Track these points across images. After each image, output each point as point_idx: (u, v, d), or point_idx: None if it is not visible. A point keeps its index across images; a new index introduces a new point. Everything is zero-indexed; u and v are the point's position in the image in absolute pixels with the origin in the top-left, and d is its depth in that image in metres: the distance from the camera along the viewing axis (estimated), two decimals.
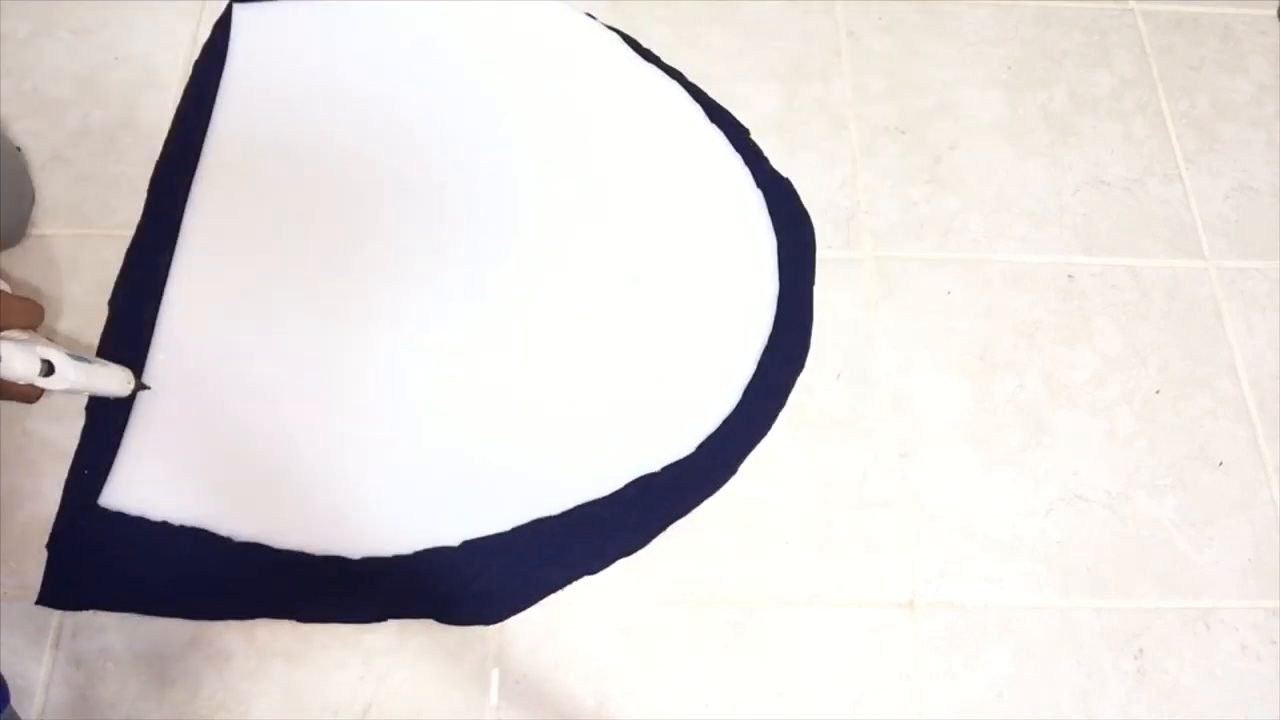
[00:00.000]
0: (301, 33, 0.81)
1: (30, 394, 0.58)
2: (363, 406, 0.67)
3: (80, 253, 0.70)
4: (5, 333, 0.58)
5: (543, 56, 0.82)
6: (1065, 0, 0.90)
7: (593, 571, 0.64)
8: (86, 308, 0.69)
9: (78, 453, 0.65)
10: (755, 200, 0.77)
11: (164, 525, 0.62)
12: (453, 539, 0.64)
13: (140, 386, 0.66)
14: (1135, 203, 0.81)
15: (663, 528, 0.66)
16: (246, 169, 0.75)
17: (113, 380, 0.63)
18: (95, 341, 0.68)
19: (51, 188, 0.73)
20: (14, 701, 0.56)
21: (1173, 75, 0.87)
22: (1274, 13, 0.91)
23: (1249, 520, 0.69)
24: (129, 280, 0.70)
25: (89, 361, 0.61)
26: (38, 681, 0.59)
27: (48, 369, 0.58)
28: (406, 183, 0.75)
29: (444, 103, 0.79)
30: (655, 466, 0.67)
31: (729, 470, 0.68)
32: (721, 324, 0.73)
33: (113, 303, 0.69)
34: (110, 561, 0.62)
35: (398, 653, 0.61)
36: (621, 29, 0.83)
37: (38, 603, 0.60)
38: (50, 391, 0.58)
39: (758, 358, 0.71)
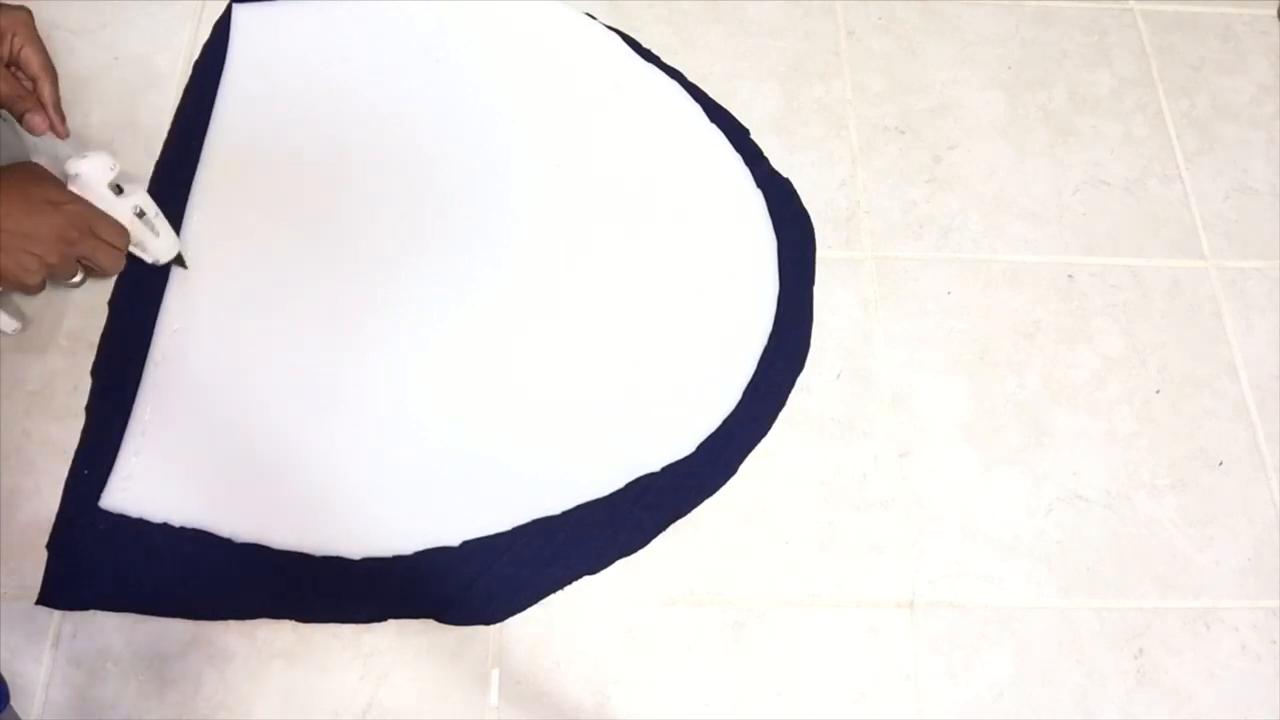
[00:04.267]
0: (301, 33, 0.81)
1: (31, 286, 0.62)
2: (363, 407, 0.67)
3: None
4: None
5: (543, 56, 0.82)
6: (1065, 0, 0.90)
7: (593, 571, 0.64)
8: (86, 308, 0.69)
9: (78, 453, 0.65)
10: (755, 200, 0.77)
11: (164, 526, 0.62)
12: (453, 539, 0.64)
13: (179, 261, 0.70)
14: (1135, 203, 0.81)
15: (663, 527, 0.66)
16: (246, 169, 0.75)
17: (165, 242, 0.68)
18: (95, 341, 0.68)
19: None
20: (14, 701, 0.56)
21: (1173, 75, 0.87)
22: (1274, 13, 0.91)
23: (1249, 520, 0.69)
24: (129, 280, 0.70)
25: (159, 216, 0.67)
26: (38, 681, 0.59)
27: (118, 190, 0.64)
28: (406, 183, 0.76)
29: (444, 103, 0.79)
30: (656, 466, 0.67)
31: (729, 470, 0.68)
32: (722, 324, 0.73)
33: (113, 303, 0.69)
34: (110, 562, 0.62)
35: (398, 653, 0.61)
36: (621, 29, 0.83)
37: (38, 603, 0.60)
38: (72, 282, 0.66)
39: (758, 358, 0.71)
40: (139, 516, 0.62)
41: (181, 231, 0.71)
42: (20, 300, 0.68)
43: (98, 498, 0.63)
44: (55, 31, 0.78)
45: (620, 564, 0.65)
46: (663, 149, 0.79)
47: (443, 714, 0.60)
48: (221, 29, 0.80)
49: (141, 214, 0.66)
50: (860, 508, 0.68)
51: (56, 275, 0.63)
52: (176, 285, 0.70)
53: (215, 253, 0.71)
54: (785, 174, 0.79)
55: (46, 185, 0.62)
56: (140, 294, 0.69)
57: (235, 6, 0.81)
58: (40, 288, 0.63)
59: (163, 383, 0.67)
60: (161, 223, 0.68)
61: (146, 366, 0.67)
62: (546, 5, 0.84)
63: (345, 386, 0.68)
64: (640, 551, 0.65)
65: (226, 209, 0.73)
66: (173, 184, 0.73)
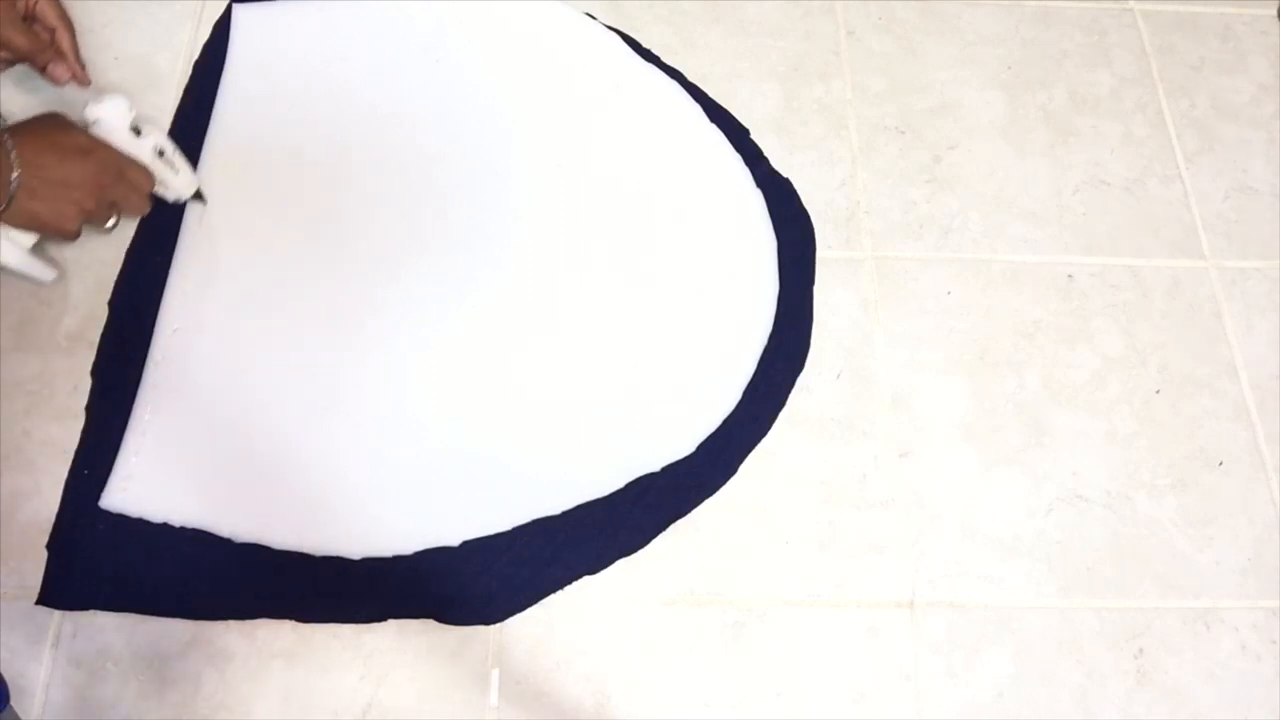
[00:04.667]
0: (301, 33, 0.81)
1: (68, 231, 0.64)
2: (363, 406, 0.67)
3: (80, 253, 0.70)
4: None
5: (543, 56, 0.82)
6: (1065, 0, 0.90)
7: (593, 571, 0.64)
8: (86, 308, 0.69)
9: (78, 453, 0.65)
10: (755, 200, 0.77)
11: (164, 526, 0.62)
12: (453, 539, 0.64)
13: (198, 197, 0.72)
14: (1135, 203, 0.81)
15: (663, 527, 0.66)
16: (246, 169, 0.75)
17: (185, 179, 0.70)
18: (95, 341, 0.68)
19: None
20: (14, 701, 0.56)
21: (1173, 75, 0.87)
22: (1274, 13, 0.91)
23: (1249, 520, 0.69)
24: (129, 280, 0.70)
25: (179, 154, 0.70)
26: (38, 681, 0.59)
27: (136, 132, 0.66)
28: (406, 183, 0.75)
29: (444, 103, 0.79)
30: (656, 466, 0.67)
31: (729, 470, 0.68)
32: (722, 324, 0.73)
33: (113, 303, 0.69)
34: (110, 562, 0.62)
35: (398, 653, 0.61)
36: (621, 29, 0.83)
37: (38, 603, 0.60)
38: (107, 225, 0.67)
39: (758, 358, 0.71)
40: (139, 516, 0.62)
41: (181, 231, 0.71)
42: (54, 249, 0.69)
43: (98, 498, 0.63)
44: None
45: (620, 564, 0.65)
46: (663, 149, 0.79)
47: (443, 714, 0.60)
48: (221, 29, 0.80)
49: (161, 153, 0.67)
50: (860, 508, 0.68)
51: (93, 220, 0.65)
52: (176, 285, 0.70)
53: (215, 252, 0.71)
54: (785, 174, 0.79)
55: (74, 133, 0.63)
56: (140, 294, 0.69)
57: (235, 6, 0.81)
58: (78, 234, 0.65)
59: (163, 383, 0.67)
60: (180, 159, 0.70)
61: (146, 366, 0.67)
62: (546, 5, 0.84)
63: (345, 386, 0.68)
64: (640, 551, 0.65)
65: (226, 209, 0.73)
66: None
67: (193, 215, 0.72)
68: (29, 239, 0.65)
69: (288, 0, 0.82)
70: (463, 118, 0.79)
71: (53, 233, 0.64)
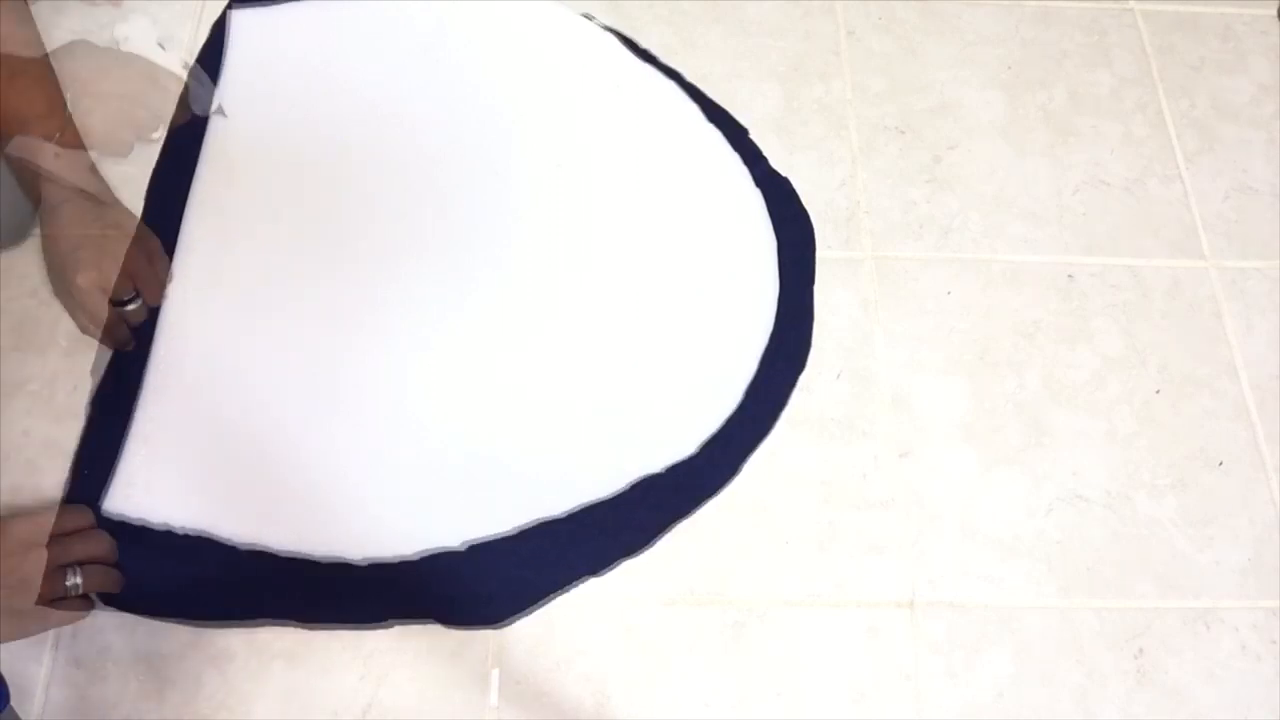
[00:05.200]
0: (299, 35, 0.81)
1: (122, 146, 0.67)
2: (365, 409, 0.67)
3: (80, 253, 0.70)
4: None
5: (543, 56, 0.82)
6: (1065, 0, 0.90)
7: (596, 573, 0.64)
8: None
9: (78, 453, 0.65)
10: (755, 200, 0.77)
11: (165, 529, 0.62)
12: (456, 541, 0.64)
13: (220, 111, 0.75)
14: (1135, 203, 0.81)
15: (666, 528, 0.66)
16: (246, 169, 0.75)
17: (208, 90, 0.73)
18: (95, 341, 0.68)
19: None
20: (14, 701, 0.56)
21: (1173, 75, 0.87)
22: (1274, 13, 0.91)
23: (1249, 520, 0.69)
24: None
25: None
26: (38, 681, 0.59)
27: (162, 48, 0.72)
28: (405, 184, 0.75)
29: (441, 105, 0.79)
30: (658, 467, 0.67)
31: (731, 470, 0.68)
32: (722, 325, 0.73)
33: (113, 303, 0.69)
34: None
35: (398, 653, 0.61)
36: (620, 29, 0.83)
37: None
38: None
39: (759, 358, 0.71)
40: (140, 520, 0.62)
41: (181, 232, 0.71)
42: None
43: (98, 498, 0.63)
44: (55, 31, 0.78)
45: (620, 564, 0.65)
46: (662, 149, 0.79)
47: (443, 714, 0.60)
48: (219, 30, 0.80)
49: (186, 65, 0.71)
50: (860, 508, 0.68)
51: (142, 129, 0.68)
52: (176, 287, 0.70)
53: (215, 253, 0.71)
54: (785, 174, 0.79)
55: (109, 50, 0.68)
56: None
57: (232, 9, 0.81)
58: (130, 148, 0.68)
59: (163, 384, 0.67)
60: (201, 74, 0.73)
61: (147, 367, 0.67)
62: (546, 6, 0.84)
63: (345, 386, 0.68)
64: (640, 552, 0.65)
65: (226, 209, 0.73)
66: (173, 184, 0.73)
67: (193, 214, 0.72)
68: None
69: (285, 3, 0.81)
70: (463, 118, 0.78)
71: (110, 148, 0.66)
